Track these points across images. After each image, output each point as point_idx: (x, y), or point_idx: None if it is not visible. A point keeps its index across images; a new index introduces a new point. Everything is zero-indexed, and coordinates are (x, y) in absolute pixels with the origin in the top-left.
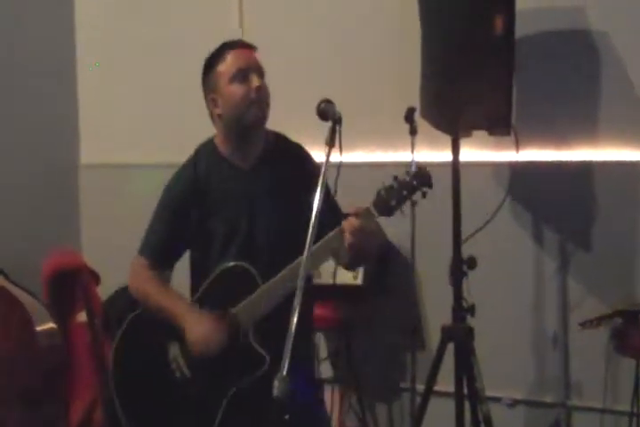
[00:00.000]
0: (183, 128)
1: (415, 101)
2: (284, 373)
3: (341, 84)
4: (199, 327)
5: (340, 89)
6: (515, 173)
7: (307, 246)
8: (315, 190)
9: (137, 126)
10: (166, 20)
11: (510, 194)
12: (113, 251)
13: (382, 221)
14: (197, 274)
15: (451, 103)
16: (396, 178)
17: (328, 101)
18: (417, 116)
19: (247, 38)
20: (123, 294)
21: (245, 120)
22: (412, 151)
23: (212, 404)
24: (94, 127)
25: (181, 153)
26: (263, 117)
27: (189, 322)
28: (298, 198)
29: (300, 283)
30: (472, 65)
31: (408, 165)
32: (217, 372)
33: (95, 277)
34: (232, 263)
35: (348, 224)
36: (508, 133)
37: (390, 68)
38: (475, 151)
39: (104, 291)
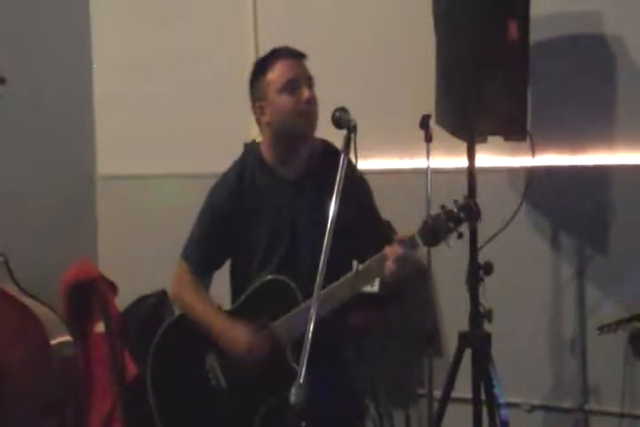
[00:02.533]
0: (200, 139)
1: (430, 108)
2: (301, 381)
3: (356, 92)
4: (235, 339)
5: (354, 97)
6: (531, 179)
7: (322, 259)
8: (359, 200)
9: (153, 137)
10: (182, 32)
11: (527, 199)
12: (130, 261)
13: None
14: (238, 283)
15: (466, 109)
16: (443, 207)
17: (343, 109)
18: (432, 122)
19: (261, 46)
20: (141, 304)
21: (294, 131)
22: (428, 158)
23: (246, 417)
24: (111, 138)
25: (198, 163)
26: (312, 129)
27: (225, 335)
28: (342, 212)
29: (316, 298)
30: (487, 70)
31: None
32: (252, 385)
33: (112, 288)
34: (271, 276)
35: (392, 251)
36: (524, 139)
37: (405, 74)
38: (490, 157)
39: (121, 301)
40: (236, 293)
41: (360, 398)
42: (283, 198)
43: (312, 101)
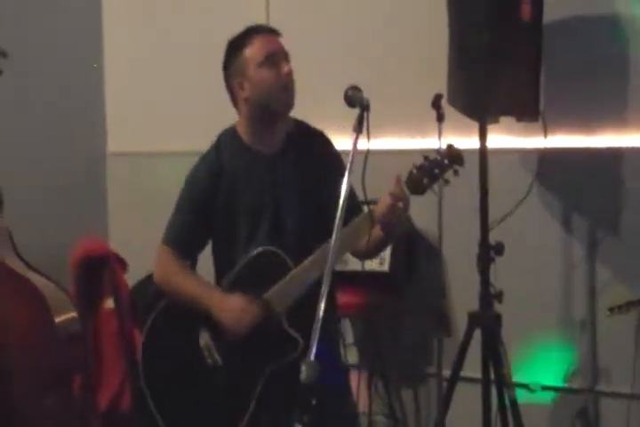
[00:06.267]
0: (209, 116)
1: (442, 88)
2: (312, 358)
3: (369, 71)
4: (230, 309)
5: (367, 75)
6: (543, 160)
7: (335, 231)
8: (337, 175)
9: (163, 115)
10: (192, 10)
11: (538, 180)
12: (140, 238)
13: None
14: (223, 264)
15: (478, 89)
16: (426, 157)
17: (355, 88)
18: (444, 102)
19: (273, 26)
20: (151, 281)
21: (275, 105)
22: (440, 138)
23: (245, 390)
24: (121, 115)
25: (208, 141)
26: (292, 103)
27: (219, 305)
28: (322, 184)
29: (329, 267)
30: (500, 51)
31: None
32: (249, 358)
33: (122, 265)
34: (261, 248)
35: (381, 203)
36: (536, 119)
37: (418, 54)
38: (502, 137)
39: (131, 278)
40: (220, 273)
41: (346, 373)
42: (262, 175)
43: (291, 75)
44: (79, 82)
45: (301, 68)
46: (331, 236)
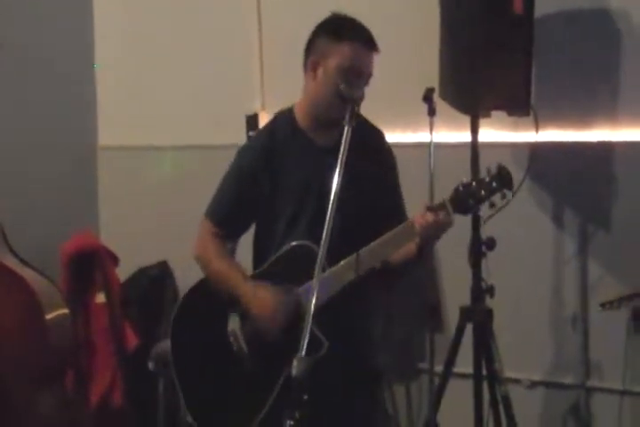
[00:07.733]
0: (201, 111)
1: (434, 82)
2: (303, 353)
3: None
4: (261, 300)
5: None
6: (534, 154)
7: (325, 231)
8: (388, 174)
9: (155, 108)
10: (184, 5)
11: (529, 175)
12: (131, 233)
13: None
14: (261, 250)
15: (470, 84)
16: (475, 176)
17: (347, 82)
18: (436, 96)
19: (264, 20)
20: (142, 275)
21: (331, 115)
22: (431, 132)
23: (266, 383)
24: (112, 109)
25: (200, 135)
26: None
27: (250, 295)
28: (371, 183)
29: (318, 273)
30: (491, 45)
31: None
32: (273, 352)
33: (113, 259)
34: (298, 242)
35: (421, 218)
36: (528, 114)
37: (409, 48)
38: (494, 132)
39: (122, 272)
40: (258, 258)
41: (378, 380)
42: (313, 164)
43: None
44: (70, 76)
45: (295, 64)
46: (367, 237)
